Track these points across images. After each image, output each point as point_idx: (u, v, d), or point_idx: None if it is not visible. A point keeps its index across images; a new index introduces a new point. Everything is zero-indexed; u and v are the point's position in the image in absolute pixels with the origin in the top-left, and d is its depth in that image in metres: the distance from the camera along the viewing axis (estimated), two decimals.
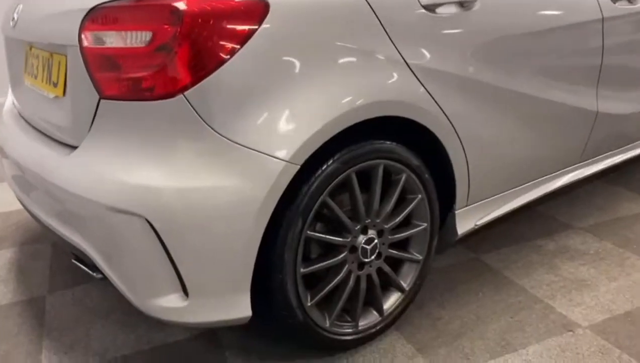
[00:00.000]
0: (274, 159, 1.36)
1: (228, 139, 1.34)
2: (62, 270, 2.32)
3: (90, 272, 1.68)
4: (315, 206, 1.50)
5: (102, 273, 1.53)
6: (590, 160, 2.45)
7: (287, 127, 1.39)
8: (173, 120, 1.33)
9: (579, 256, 2.23)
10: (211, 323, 1.46)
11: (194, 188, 1.33)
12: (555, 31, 1.99)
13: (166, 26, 1.29)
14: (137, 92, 1.33)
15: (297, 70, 1.40)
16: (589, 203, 2.70)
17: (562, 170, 2.31)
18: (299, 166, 1.40)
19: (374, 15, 1.52)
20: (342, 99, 1.46)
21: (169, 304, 1.43)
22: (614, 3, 2.20)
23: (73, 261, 1.67)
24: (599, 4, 2.14)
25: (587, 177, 2.51)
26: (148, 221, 1.34)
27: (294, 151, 1.38)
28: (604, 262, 2.18)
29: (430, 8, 1.63)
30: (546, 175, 2.23)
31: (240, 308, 1.45)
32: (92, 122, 1.43)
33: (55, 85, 1.59)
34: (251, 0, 1.35)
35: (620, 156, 2.62)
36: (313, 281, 1.66)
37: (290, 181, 1.41)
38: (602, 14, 2.15)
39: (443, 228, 1.93)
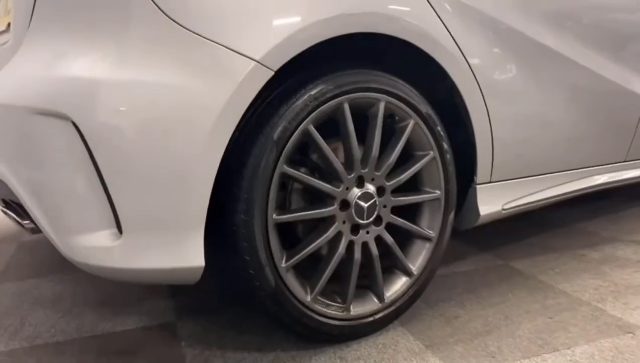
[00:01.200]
0: (240, 56, 1.08)
1: (184, 27, 1.06)
2: (20, 265, 2.02)
3: (18, 220, 1.38)
4: (295, 135, 1.19)
5: (30, 218, 1.23)
6: (636, 161, 2.09)
7: (261, 21, 1.12)
8: (121, 2, 1.07)
9: (632, 264, 1.82)
10: (149, 272, 1.11)
11: (136, 80, 1.04)
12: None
13: None
14: None
15: None
16: (636, 221, 2.30)
17: (606, 166, 1.96)
18: (273, 72, 1.11)
19: None
20: (326, 2, 1.19)
21: (96, 243, 1.10)
22: None
23: (1, 209, 1.37)
24: None
25: (632, 182, 2.15)
26: (74, 125, 1.04)
27: (266, 50, 1.10)
28: None
29: None
30: (586, 166, 1.88)
31: (190, 255, 1.11)
32: (32, 15, 1.17)
33: None
34: None
35: None
36: (293, 242, 1.31)
37: (262, 90, 1.12)
38: None
39: (464, 205, 1.58)
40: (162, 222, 1.09)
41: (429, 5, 1.34)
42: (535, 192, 1.73)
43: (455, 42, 1.39)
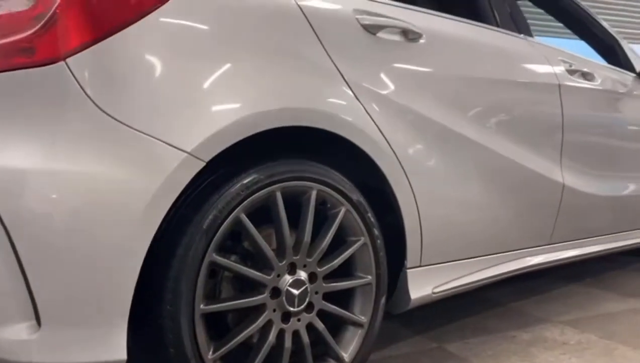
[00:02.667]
0: (171, 147, 1.11)
1: (115, 119, 1.09)
2: None
3: None
4: (226, 224, 1.21)
5: None
6: (563, 243, 2.20)
7: (192, 114, 1.16)
8: (51, 91, 1.08)
9: (558, 346, 1.88)
10: None
11: (64, 171, 1.05)
12: (509, 84, 1.87)
13: None
14: (12, 56, 1.10)
15: (210, 56, 1.22)
16: (566, 301, 2.39)
17: (533, 248, 2.05)
18: (204, 163, 1.14)
19: (306, 21, 1.38)
20: (264, 96, 1.26)
21: (13, 336, 1.05)
22: (570, 75, 2.14)
23: None
24: (554, 71, 2.06)
25: (562, 267, 2.25)
26: None
27: (198, 143, 1.13)
28: (588, 352, 1.83)
29: (371, 30, 1.51)
30: (513, 249, 1.96)
31: (112, 349, 1.08)
32: None
33: None
34: None
35: (595, 246, 2.38)
36: (222, 331, 1.29)
37: (192, 181, 1.14)
38: (559, 81, 2.06)
39: (395, 289, 1.60)
40: (84, 314, 1.06)
41: (359, 103, 1.43)
42: (465, 275, 1.78)
43: (383, 135, 1.47)
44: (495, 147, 1.81)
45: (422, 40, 1.62)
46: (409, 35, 1.60)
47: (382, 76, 1.52)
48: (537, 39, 2.17)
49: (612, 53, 2.70)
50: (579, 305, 2.34)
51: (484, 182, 1.79)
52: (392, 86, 1.53)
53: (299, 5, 1.38)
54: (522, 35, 2.09)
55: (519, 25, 2.11)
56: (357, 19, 1.49)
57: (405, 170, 1.52)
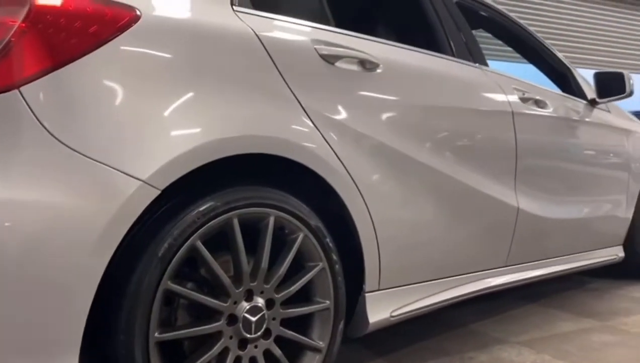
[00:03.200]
0: (126, 176, 1.11)
1: (70, 147, 1.09)
2: None
3: None
4: (182, 251, 1.22)
5: None
6: (520, 265, 2.26)
7: (148, 143, 1.17)
8: (5, 119, 1.08)
9: None
10: None
11: (17, 200, 1.04)
12: (464, 112, 1.93)
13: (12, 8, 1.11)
14: None
15: (168, 85, 1.23)
16: (523, 321, 2.44)
17: (489, 271, 2.10)
18: (159, 191, 1.15)
19: (264, 51, 1.41)
20: (221, 124, 1.27)
21: None
22: (523, 103, 2.22)
23: None
24: (507, 99, 2.14)
25: (520, 287, 2.31)
26: None
27: (153, 171, 1.14)
28: None
29: (329, 59, 1.55)
30: (470, 272, 2.01)
31: None
32: None
33: None
34: (118, 7, 1.21)
35: (552, 267, 2.45)
36: (179, 359, 1.29)
37: (147, 209, 1.15)
38: (512, 108, 2.14)
39: (354, 313, 1.62)
40: (36, 343, 1.05)
41: (316, 130, 1.46)
42: (423, 298, 1.82)
43: (341, 162, 1.51)
44: (451, 172, 1.86)
45: (379, 70, 1.67)
46: (367, 65, 1.64)
47: (340, 104, 1.56)
48: (491, 67, 2.25)
49: (565, 81, 2.82)
50: (535, 325, 2.39)
51: (441, 206, 1.83)
52: (349, 114, 1.57)
53: (257, 36, 1.41)
54: (477, 64, 2.17)
55: (474, 54, 2.18)
56: (315, 49, 1.53)
57: (362, 195, 1.55)
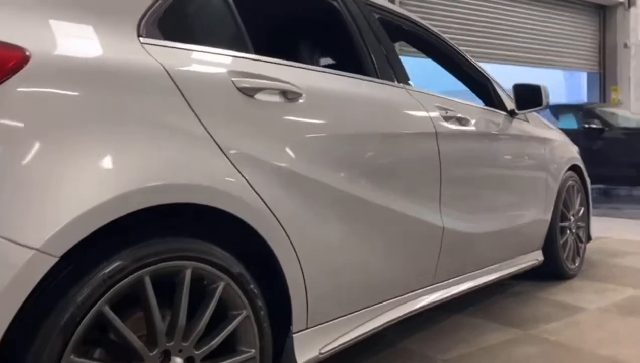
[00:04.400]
0: (16, 245, 0.99)
1: None
2: None
3: None
4: (87, 320, 1.10)
5: None
6: (448, 281, 2.27)
7: (41, 204, 1.04)
8: None
9: None
10: None
11: None
12: (388, 137, 1.91)
13: None
14: None
15: (64, 135, 1.11)
16: (452, 335, 2.47)
17: (417, 291, 2.10)
18: (57, 258, 1.03)
19: (175, 88, 1.31)
20: (126, 176, 1.16)
21: None
22: (446, 121, 2.22)
23: None
24: (431, 119, 2.14)
25: (449, 300, 2.32)
26: None
27: (47, 237, 1.02)
28: None
29: (248, 92, 1.46)
30: (399, 295, 2.00)
31: None
32: None
33: None
34: (3, 47, 1.07)
35: (481, 279, 2.49)
36: None
37: (44, 278, 1.03)
38: (435, 129, 2.14)
39: (282, 355, 1.56)
40: None
41: (236, 171, 1.38)
42: (352, 329, 1.78)
43: (264, 202, 1.43)
44: (377, 199, 1.83)
45: (301, 100, 1.60)
46: (289, 95, 1.57)
47: (261, 139, 1.48)
48: (414, 86, 2.24)
49: (486, 93, 2.87)
50: (463, 339, 2.42)
51: (368, 236, 1.80)
52: (271, 149, 1.50)
53: (168, 72, 1.31)
54: (401, 84, 2.15)
55: (397, 74, 2.16)
56: (233, 81, 1.44)
57: (289, 236, 1.48)
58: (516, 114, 2.83)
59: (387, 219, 1.88)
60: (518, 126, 2.85)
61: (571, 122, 9.05)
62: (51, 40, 1.17)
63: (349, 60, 2.04)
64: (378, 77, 2.06)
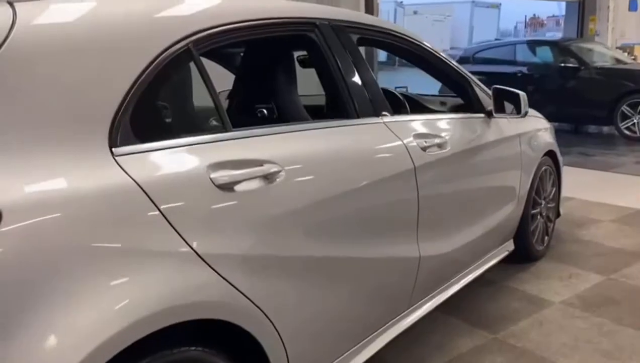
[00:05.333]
0: None
1: None
2: None
3: None
4: None
5: None
6: (423, 300, 2.38)
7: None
8: None
9: None
10: None
11: None
12: (366, 188, 1.92)
13: None
14: None
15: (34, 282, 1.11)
16: (427, 343, 2.62)
17: (394, 319, 2.20)
18: None
19: (151, 203, 1.29)
20: (102, 322, 1.17)
21: None
22: (424, 151, 2.23)
23: None
24: (409, 154, 2.14)
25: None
26: None
27: None
28: None
29: (227, 187, 1.45)
30: (377, 330, 2.10)
31: None
32: None
33: None
34: None
35: (456, 286, 2.61)
36: None
37: None
38: (414, 163, 2.15)
39: None
40: None
41: (219, 277, 1.40)
42: None
43: (251, 302, 1.46)
44: (355, 253, 1.88)
45: (279, 179, 1.59)
46: (269, 177, 1.56)
47: (242, 233, 1.48)
48: (392, 116, 2.21)
49: (465, 94, 2.86)
50: (436, 346, 2.57)
51: (346, 290, 1.87)
52: (252, 240, 1.50)
53: (142, 188, 1.28)
54: (379, 118, 2.12)
55: (376, 106, 2.13)
56: (212, 179, 1.42)
57: (272, 321, 1.53)
58: (493, 116, 2.83)
59: (365, 269, 1.94)
60: (495, 127, 2.86)
61: (547, 57, 9.04)
62: (19, 188, 1.12)
63: (329, 102, 2.00)
64: (357, 115, 2.04)
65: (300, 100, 2.16)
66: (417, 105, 3.07)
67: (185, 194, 1.38)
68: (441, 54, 2.71)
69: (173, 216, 1.32)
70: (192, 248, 1.35)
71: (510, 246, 3.22)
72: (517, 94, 2.73)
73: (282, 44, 2.14)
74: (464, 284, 2.68)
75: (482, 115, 2.81)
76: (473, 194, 2.65)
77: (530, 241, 3.38)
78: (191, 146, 1.45)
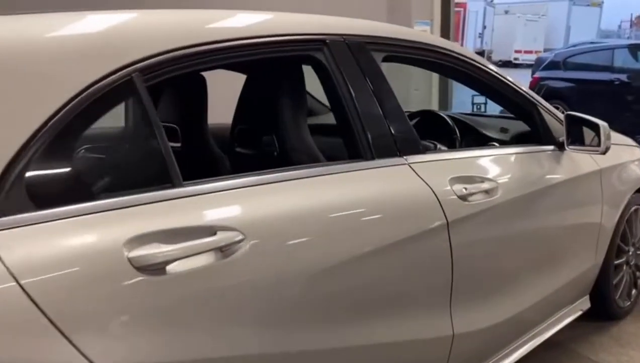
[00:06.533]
0: None
1: None
2: None
3: None
4: None
5: None
6: None
7: None
8: None
9: None
10: None
11: None
12: (370, 258, 1.48)
13: None
14: None
15: None
16: None
17: None
18: None
19: (33, 306, 0.95)
20: None
21: None
22: (464, 200, 1.75)
23: None
24: (441, 206, 1.67)
25: None
26: None
27: None
28: None
29: (153, 269, 1.08)
30: None
31: None
32: None
33: None
34: None
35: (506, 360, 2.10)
36: None
37: None
38: (447, 218, 1.68)
39: None
40: None
41: None
42: None
43: None
44: (351, 341, 1.45)
45: (240, 252, 1.20)
46: (223, 250, 1.18)
47: (179, 336, 1.11)
48: (426, 154, 1.76)
49: (531, 121, 2.33)
50: None
51: None
52: (198, 346, 1.13)
53: (13, 275, 0.94)
54: (404, 157, 1.68)
55: (400, 143, 1.69)
56: (129, 259, 1.06)
57: None
58: (565, 149, 2.28)
59: (381, 358, 1.51)
60: (567, 163, 2.31)
61: None
62: None
63: (342, 140, 1.60)
64: (372, 156, 1.61)
65: (308, 136, 1.75)
66: (470, 132, 2.56)
67: (86, 285, 1.02)
68: (497, 70, 2.20)
69: (64, 320, 0.97)
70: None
71: (585, 304, 2.63)
72: (597, 125, 2.17)
73: (282, 67, 1.75)
74: (514, 358, 2.16)
75: (551, 147, 2.28)
76: (532, 250, 2.13)
77: (612, 296, 2.77)
78: (109, 213, 1.09)
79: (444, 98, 6.51)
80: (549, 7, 25.56)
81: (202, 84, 2.04)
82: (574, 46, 11.18)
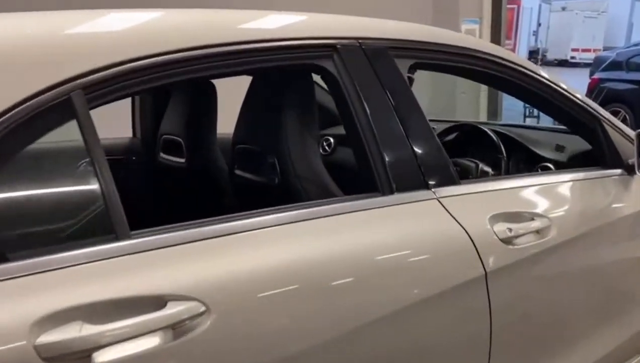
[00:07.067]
0: None
1: None
2: None
3: None
4: None
5: None
6: None
7: None
8: None
9: None
10: None
11: None
12: (380, 325, 1.16)
13: None
14: None
15: None
16: None
17: None
18: None
19: None
20: None
21: None
22: (507, 244, 1.40)
23: None
24: (477, 250, 1.33)
25: None
26: None
27: None
28: None
29: (74, 361, 0.80)
30: None
31: None
32: None
33: None
34: None
35: None
36: None
37: None
38: (484, 267, 1.34)
39: None
40: None
41: None
42: None
43: None
44: None
45: (200, 329, 0.90)
46: (176, 328, 0.89)
47: None
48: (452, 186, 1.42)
49: (594, 138, 1.94)
50: None
51: None
52: None
53: None
54: (432, 190, 1.35)
55: (428, 173, 1.36)
56: (35, 347, 0.78)
57: None
58: (636, 173, 1.89)
59: None
60: (638, 191, 1.91)
61: None
62: None
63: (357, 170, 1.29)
64: (392, 190, 1.29)
65: (316, 160, 1.45)
66: (518, 149, 2.19)
67: None
68: (551, 79, 1.83)
69: None
70: None
71: None
72: None
73: (284, 78, 1.45)
74: None
75: (618, 171, 1.89)
76: (595, 300, 1.75)
77: None
78: (17, 280, 0.82)
79: (493, 101, 6.06)
80: (610, 3, 24.24)
81: (212, 92, 1.78)
82: (637, 44, 10.33)
